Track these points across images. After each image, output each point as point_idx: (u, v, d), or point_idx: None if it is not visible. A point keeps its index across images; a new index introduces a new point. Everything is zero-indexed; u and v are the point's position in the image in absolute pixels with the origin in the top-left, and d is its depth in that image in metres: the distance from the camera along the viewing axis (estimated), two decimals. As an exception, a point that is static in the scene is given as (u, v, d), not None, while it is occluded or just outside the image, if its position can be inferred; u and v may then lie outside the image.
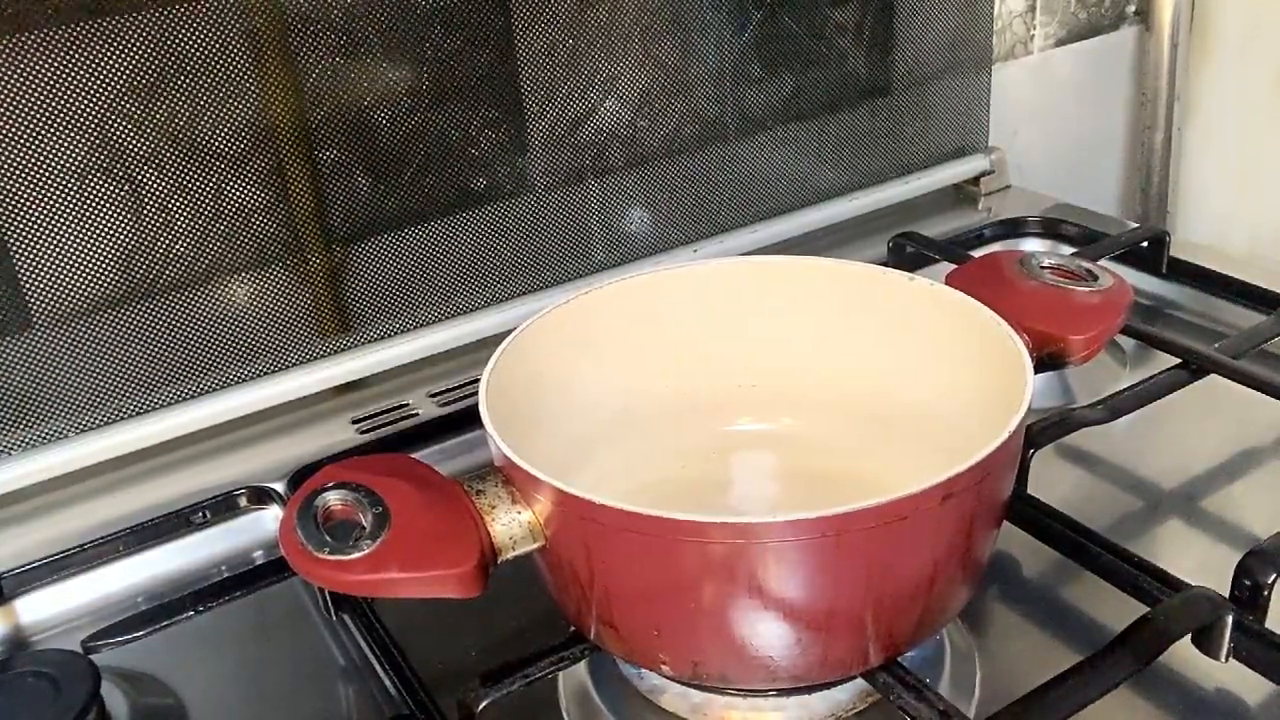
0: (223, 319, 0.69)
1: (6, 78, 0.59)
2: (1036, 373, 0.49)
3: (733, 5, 0.81)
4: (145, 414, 0.68)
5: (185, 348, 0.68)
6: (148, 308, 0.66)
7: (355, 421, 0.72)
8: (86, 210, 0.63)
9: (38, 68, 0.59)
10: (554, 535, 0.45)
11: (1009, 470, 0.48)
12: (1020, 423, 0.45)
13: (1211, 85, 1.09)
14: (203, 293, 0.68)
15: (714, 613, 0.44)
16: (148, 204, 0.65)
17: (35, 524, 0.65)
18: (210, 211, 0.67)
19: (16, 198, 0.61)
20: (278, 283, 0.70)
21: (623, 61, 0.78)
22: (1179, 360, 0.66)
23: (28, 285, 0.63)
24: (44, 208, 0.62)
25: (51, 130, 0.61)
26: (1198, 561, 0.58)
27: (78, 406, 0.66)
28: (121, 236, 0.64)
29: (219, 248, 0.68)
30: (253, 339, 0.70)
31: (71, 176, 0.62)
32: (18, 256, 0.62)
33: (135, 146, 0.63)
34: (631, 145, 0.80)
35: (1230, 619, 0.47)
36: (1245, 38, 1.06)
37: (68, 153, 0.62)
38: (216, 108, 0.65)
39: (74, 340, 0.65)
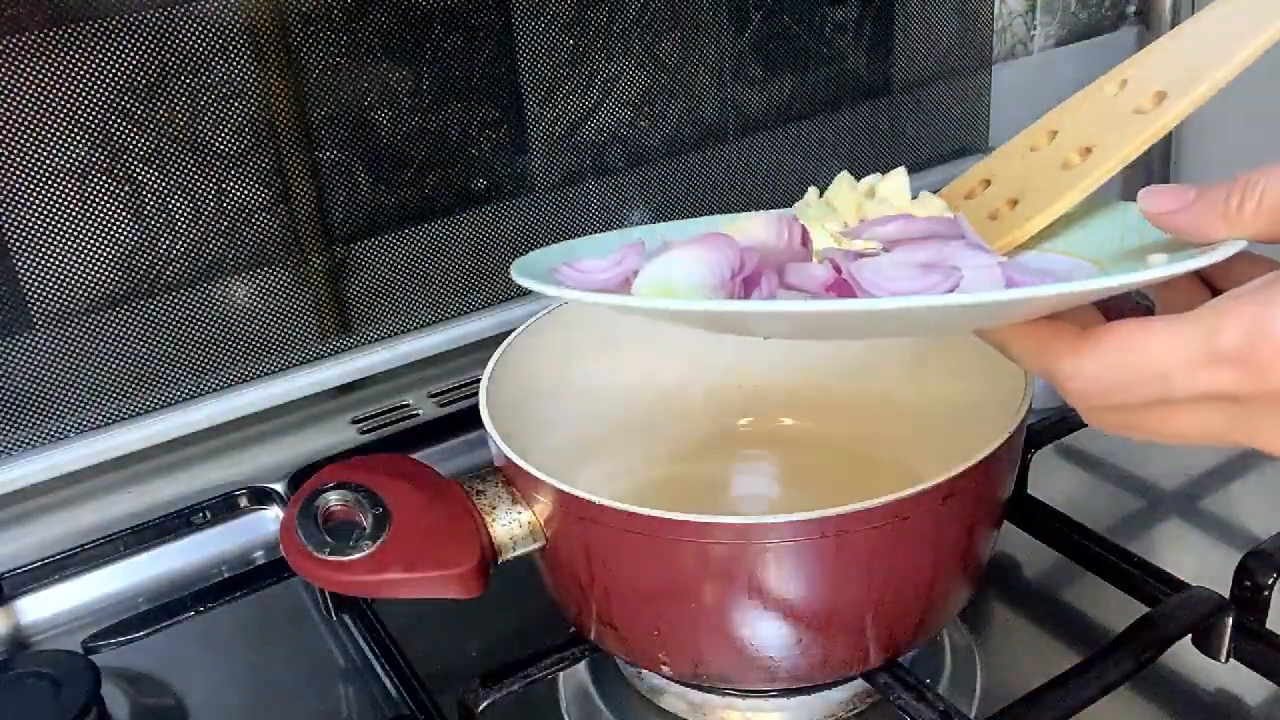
0: (223, 319, 0.69)
1: (6, 78, 0.59)
2: (1037, 373, 0.49)
3: (733, 5, 0.81)
4: (145, 414, 0.67)
5: (185, 348, 0.68)
6: (148, 307, 0.66)
7: (355, 421, 0.72)
8: (87, 209, 0.63)
9: (38, 68, 0.59)
10: (554, 535, 0.45)
11: (1009, 470, 0.48)
12: (1020, 423, 0.45)
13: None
14: (203, 292, 0.68)
15: (714, 613, 0.44)
16: (148, 203, 0.65)
17: (35, 524, 0.65)
18: (211, 211, 0.67)
19: (17, 197, 0.61)
20: (278, 282, 0.70)
21: (623, 61, 0.78)
22: (1179, 360, 0.66)
23: (28, 285, 0.63)
24: (44, 207, 0.62)
25: (52, 130, 0.61)
26: (1198, 561, 0.58)
27: (78, 406, 0.66)
28: (122, 236, 0.64)
29: (219, 247, 0.68)
30: (253, 339, 0.70)
31: (72, 176, 0.62)
32: (18, 256, 0.62)
33: (136, 145, 0.63)
34: (631, 145, 0.80)
35: (1230, 619, 0.47)
36: (1245, 38, 1.06)
37: (68, 152, 0.62)
38: (217, 107, 0.65)
39: (74, 340, 0.65)
